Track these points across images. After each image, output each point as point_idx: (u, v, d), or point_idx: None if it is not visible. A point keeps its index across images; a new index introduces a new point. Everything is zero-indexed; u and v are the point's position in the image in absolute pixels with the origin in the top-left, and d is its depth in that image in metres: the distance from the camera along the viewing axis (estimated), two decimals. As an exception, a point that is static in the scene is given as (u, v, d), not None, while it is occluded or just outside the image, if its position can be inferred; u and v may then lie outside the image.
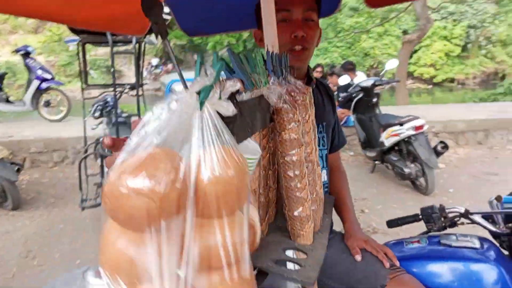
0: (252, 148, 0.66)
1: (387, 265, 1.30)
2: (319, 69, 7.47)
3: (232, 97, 0.58)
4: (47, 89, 7.33)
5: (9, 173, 4.10)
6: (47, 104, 7.27)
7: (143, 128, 0.49)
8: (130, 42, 3.52)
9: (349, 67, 6.79)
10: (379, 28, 18.13)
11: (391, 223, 1.68)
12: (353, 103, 5.29)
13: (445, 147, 4.30)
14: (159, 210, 0.41)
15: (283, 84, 0.85)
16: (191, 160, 0.48)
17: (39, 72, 7.18)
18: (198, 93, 0.51)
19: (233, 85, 0.57)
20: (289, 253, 0.82)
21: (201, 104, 0.51)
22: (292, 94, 0.88)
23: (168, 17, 2.03)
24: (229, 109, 0.54)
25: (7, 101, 7.35)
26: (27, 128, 6.36)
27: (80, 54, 3.91)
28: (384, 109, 5.44)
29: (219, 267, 0.48)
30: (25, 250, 3.44)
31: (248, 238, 0.52)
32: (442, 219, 1.58)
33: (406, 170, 4.38)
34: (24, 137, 5.68)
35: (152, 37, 3.93)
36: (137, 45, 3.71)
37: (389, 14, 14.21)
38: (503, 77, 21.70)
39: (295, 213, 0.83)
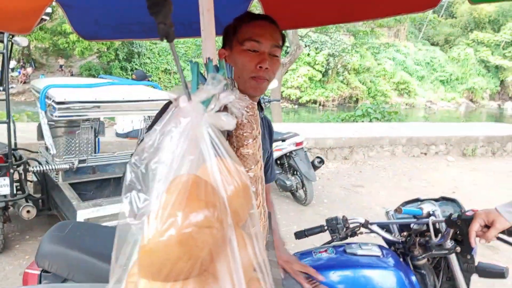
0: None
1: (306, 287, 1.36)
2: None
3: (225, 109, 0.53)
4: None
5: None
6: None
7: (150, 155, 0.42)
8: (2, 41, 3.03)
9: None
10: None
11: (299, 235, 1.74)
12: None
13: (322, 161, 4.69)
14: (224, 236, 0.35)
15: (243, 98, 0.81)
16: (212, 178, 0.42)
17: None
18: (203, 103, 0.46)
19: (226, 96, 0.53)
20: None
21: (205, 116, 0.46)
22: (248, 108, 0.85)
23: (46, 18, 1.82)
24: (232, 123, 0.49)
25: None
26: None
27: None
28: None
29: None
30: None
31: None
32: (345, 229, 1.69)
33: (288, 183, 4.65)
34: None
35: (20, 38, 3.45)
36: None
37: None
38: (356, 101, 24.86)
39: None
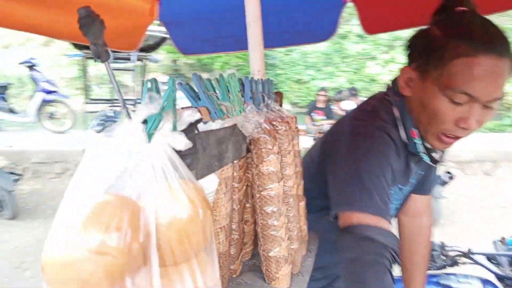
0: (206, 183, 0.60)
1: None
2: (322, 92, 7.40)
3: (190, 128, 0.52)
4: (52, 101, 7.36)
5: (7, 183, 4.08)
6: (51, 116, 7.29)
7: (83, 172, 0.43)
8: (128, 59, 3.51)
9: (352, 93, 6.77)
10: (386, 55, 18.18)
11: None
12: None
13: (451, 177, 4.19)
14: (122, 266, 0.34)
15: (263, 112, 0.78)
16: (146, 202, 0.41)
17: (43, 84, 7.22)
18: (144, 122, 0.45)
19: (191, 114, 0.51)
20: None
21: (149, 136, 0.45)
22: (274, 123, 0.81)
23: (166, 35, 2.00)
24: (182, 142, 0.47)
25: (11, 111, 7.38)
26: (30, 139, 6.36)
27: (83, 69, 3.92)
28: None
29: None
30: (18, 260, 3.36)
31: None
32: (443, 257, 1.48)
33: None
34: (26, 148, 5.66)
35: (157, 55, 3.92)
36: (139, 62, 3.70)
37: (393, 42, 14.25)
38: (509, 108, 21.56)
39: (271, 253, 0.76)
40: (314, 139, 6.07)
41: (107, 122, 4.30)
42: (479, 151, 6.32)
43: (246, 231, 0.83)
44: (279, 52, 22.04)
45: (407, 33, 1.04)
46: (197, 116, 0.51)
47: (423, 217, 1.33)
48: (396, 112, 0.98)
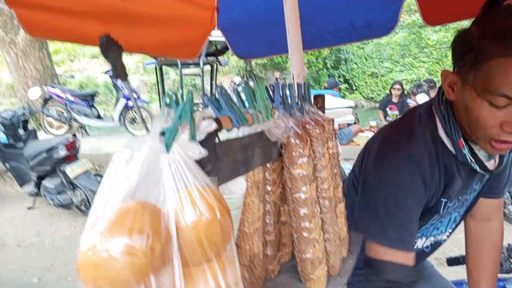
0: (234, 186, 0.64)
1: None
2: (396, 86, 7.06)
3: (210, 137, 0.56)
4: (133, 107, 7.92)
5: (93, 184, 4.48)
6: (133, 121, 7.86)
7: (109, 180, 0.49)
8: (198, 64, 3.68)
9: (430, 85, 6.36)
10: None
11: (452, 262, 1.51)
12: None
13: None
14: (146, 266, 0.40)
15: (295, 116, 0.81)
16: (167, 207, 0.47)
17: (126, 91, 7.80)
18: (162, 134, 0.50)
19: (209, 124, 0.55)
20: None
21: (167, 146, 0.50)
22: (307, 126, 0.83)
23: (223, 39, 2.09)
24: (197, 151, 0.52)
25: (99, 117, 8.08)
26: (115, 142, 6.92)
27: (158, 76, 4.19)
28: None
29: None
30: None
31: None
32: (510, 260, 1.38)
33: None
34: (111, 151, 6.17)
35: (225, 58, 4.08)
36: (207, 66, 3.87)
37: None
38: None
39: (305, 255, 0.78)
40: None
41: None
42: None
43: (284, 233, 0.85)
44: (352, 46, 21.48)
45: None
46: (214, 126, 0.55)
47: (491, 222, 1.26)
48: (439, 126, 0.96)
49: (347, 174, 4.25)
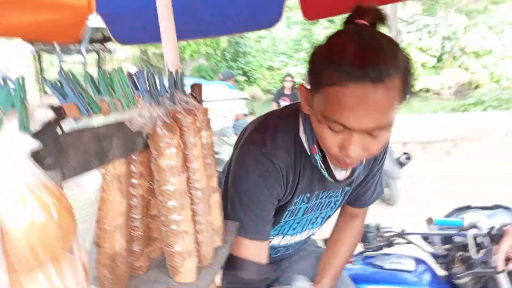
0: (85, 181, 0.58)
1: None
2: (288, 78, 7.42)
3: (48, 127, 0.50)
4: None
5: None
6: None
7: None
8: (79, 51, 3.41)
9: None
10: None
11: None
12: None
13: (408, 158, 4.31)
14: None
15: (163, 105, 0.77)
16: None
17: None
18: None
19: (44, 113, 0.49)
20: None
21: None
22: (177, 115, 0.80)
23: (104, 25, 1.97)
24: (31, 144, 0.46)
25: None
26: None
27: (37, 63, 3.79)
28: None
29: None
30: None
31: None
32: (378, 238, 1.52)
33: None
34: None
35: (111, 44, 3.83)
36: (95, 55, 3.61)
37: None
38: (477, 87, 22.24)
39: (174, 248, 0.75)
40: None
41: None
42: (441, 130, 6.51)
43: (154, 227, 0.82)
44: (250, 39, 21.93)
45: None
46: (50, 114, 0.49)
47: (357, 220, 1.33)
48: (301, 128, 1.00)
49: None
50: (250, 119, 5.68)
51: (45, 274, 0.44)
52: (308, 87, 0.89)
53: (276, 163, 0.97)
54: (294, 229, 1.20)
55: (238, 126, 5.38)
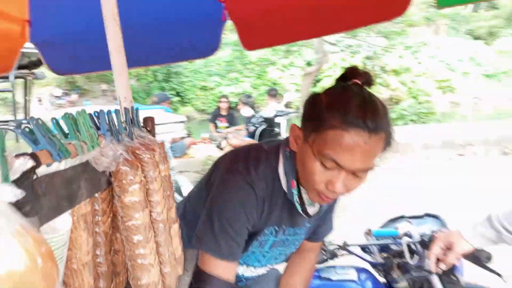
0: (58, 224, 0.60)
1: None
2: (223, 99, 7.54)
3: (25, 175, 0.52)
4: None
5: None
6: None
7: None
8: (5, 78, 3.23)
9: (248, 100, 7.05)
10: (285, 60, 19.14)
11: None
12: (257, 133, 5.44)
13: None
14: None
15: (123, 142, 0.80)
16: None
17: None
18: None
19: (23, 163, 0.51)
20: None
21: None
22: (137, 151, 0.83)
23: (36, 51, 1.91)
24: (11, 193, 0.48)
25: None
26: None
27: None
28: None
29: None
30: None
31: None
32: (323, 252, 1.62)
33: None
34: None
35: (42, 70, 3.67)
36: (21, 80, 3.43)
37: (291, 47, 15.09)
38: (397, 102, 24.02)
39: (141, 281, 0.78)
40: (217, 146, 6.16)
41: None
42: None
43: (118, 261, 0.83)
44: (182, 60, 21.80)
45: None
46: (29, 164, 0.52)
47: (311, 253, 1.45)
48: (281, 164, 1.11)
49: (181, 188, 4.27)
50: (187, 140, 5.69)
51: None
52: (301, 127, 1.04)
53: (257, 190, 1.06)
54: (259, 261, 1.27)
55: (175, 148, 5.36)
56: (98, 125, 0.78)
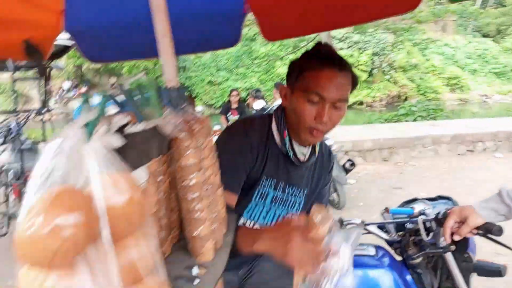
0: (137, 175, 0.72)
1: None
2: (234, 93, 7.66)
3: (120, 130, 0.63)
4: None
5: None
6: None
7: (41, 168, 0.52)
8: (33, 67, 3.37)
9: (257, 95, 7.14)
10: (292, 55, 19.23)
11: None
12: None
13: (353, 164, 4.66)
14: (81, 239, 0.45)
15: (180, 114, 0.91)
16: (93, 189, 0.52)
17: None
18: (86, 126, 0.56)
19: (121, 119, 0.63)
20: (190, 270, 0.86)
21: (90, 136, 0.56)
22: (190, 122, 0.94)
23: (71, 42, 2.02)
24: (116, 141, 0.59)
25: None
26: None
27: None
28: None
29: (141, 279, 0.53)
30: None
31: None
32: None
33: (319, 188, 4.68)
34: None
35: (59, 62, 3.79)
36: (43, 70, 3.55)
37: (299, 43, 15.15)
38: (405, 99, 24.02)
39: (195, 233, 0.89)
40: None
41: (9, 134, 4.02)
42: (378, 139, 7.03)
43: (173, 218, 0.95)
44: (189, 55, 21.97)
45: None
46: (126, 120, 0.63)
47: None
48: (274, 122, 1.35)
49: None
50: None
51: (134, 239, 0.56)
52: (287, 85, 1.32)
53: (252, 138, 1.30)
54: (264, 218, 1.39)
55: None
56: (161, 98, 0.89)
